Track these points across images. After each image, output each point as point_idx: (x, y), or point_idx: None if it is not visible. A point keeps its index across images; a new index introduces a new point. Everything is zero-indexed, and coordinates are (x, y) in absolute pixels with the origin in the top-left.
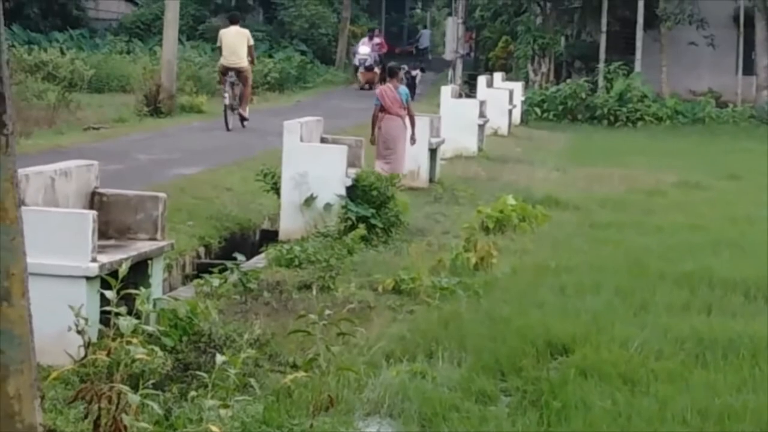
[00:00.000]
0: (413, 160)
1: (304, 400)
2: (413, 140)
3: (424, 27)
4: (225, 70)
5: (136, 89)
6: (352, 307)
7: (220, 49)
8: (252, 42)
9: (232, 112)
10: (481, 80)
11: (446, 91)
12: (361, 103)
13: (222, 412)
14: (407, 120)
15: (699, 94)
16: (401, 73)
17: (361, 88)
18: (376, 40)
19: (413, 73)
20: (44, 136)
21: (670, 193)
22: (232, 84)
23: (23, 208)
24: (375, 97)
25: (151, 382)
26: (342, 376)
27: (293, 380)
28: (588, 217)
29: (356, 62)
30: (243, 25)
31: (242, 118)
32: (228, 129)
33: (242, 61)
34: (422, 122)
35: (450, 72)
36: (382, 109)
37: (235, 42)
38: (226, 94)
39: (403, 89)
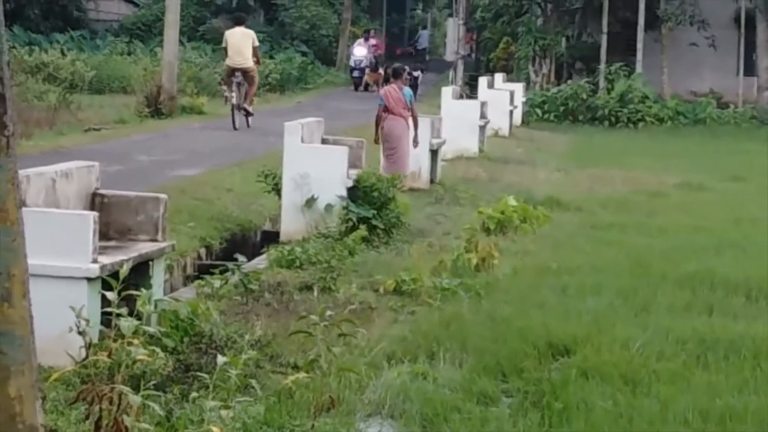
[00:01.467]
0: (414, 161)
1: (305, 401)
2: (416, 142)
3: (423, 28)
4: (231, 71)
5: (137, 90)
6: (353, 308)
7: (225, 50)
8: (257, 43)
9: (239, 111)
10: (482, 81)
11: (447, 92)
12: (362, 104)
13: (223, 413)
14: (410, 121)
15: (700, 95)
16: (405, 74)
17: (356, 89)
18: (372, 41)
19: (415, 74)
20: (45, 137)
21: (672, 194)
22: (239, 84)
23: (24, 209)
24: (380, 98)
25: (153, 383)
26: (343, 377)
27: (294, 381)
28: (590, 218)
29: (351, 64)
30: (246, 27)
31: (247, 113)
32: (235, 128)
33: (248, 62)
34: (423, 123)
35: (451, 73)
36: (386, 109)
37: (241, 43)
38: (234, 94)
39: (407, 90)
